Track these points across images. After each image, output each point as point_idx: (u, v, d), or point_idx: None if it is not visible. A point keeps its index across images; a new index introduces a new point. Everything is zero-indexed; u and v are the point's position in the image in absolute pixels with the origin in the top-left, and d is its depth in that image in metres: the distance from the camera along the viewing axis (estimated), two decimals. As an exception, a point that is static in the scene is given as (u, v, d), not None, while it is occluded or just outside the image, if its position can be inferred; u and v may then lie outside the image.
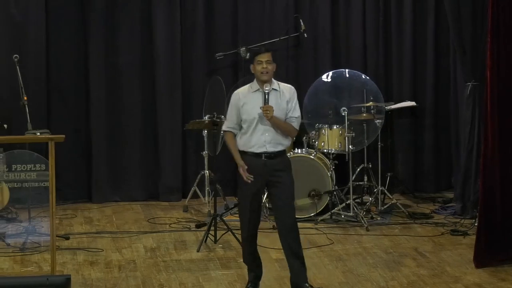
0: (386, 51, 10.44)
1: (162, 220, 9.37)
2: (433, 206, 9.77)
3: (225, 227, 8.27)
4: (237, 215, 7.09)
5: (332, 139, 9.33)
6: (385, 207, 9.50)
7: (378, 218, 9.26)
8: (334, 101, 9.77)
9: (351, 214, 9.13)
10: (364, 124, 9.61)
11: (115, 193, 10.26)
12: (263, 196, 8.68)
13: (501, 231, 7.53)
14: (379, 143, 9.65)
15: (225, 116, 7.32)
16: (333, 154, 9.39)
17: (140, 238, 8.60)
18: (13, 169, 8.30)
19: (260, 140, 6.63)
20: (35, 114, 9.11)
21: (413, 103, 10.19)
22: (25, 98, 8.73)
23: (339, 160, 9.50)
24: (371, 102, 9.52)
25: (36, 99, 9.60)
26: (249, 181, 6.58)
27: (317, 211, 9.20)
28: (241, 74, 9.96)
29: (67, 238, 8.51)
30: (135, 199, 10.26)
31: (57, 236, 7.81)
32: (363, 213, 9.13)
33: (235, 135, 6.73)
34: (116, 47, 10.18)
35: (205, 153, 9.67)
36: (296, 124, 6.73)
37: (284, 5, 10.34)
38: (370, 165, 9.69)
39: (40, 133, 8.49)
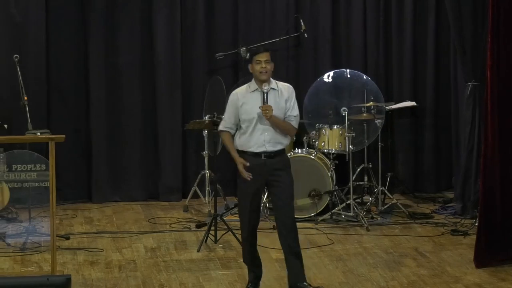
0: (387, 51, 10.44)
1: (163, 220, 9.37)
2: (434, 206, 9.77)
3: (226, 227, 8.27)
4: (237, 215, 7.09)
5: (332, 139, 9.33)
6: (385, 207, 9.50)
7: (379, 218, 9.25)
8: (334, 101, 9.77)
9: (351, 214, 9.13)
10: (365, 124, 9.61)
11: (115, 193, 10.26)
12: (263, 196, 8.72)
13: (501, 231, 7.53)
14: (379, 143, 9.65)
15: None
16: (333, 154, 9.39)
17: (140, 238, 8.60)
18: (13, 169, 8.30)
19: (260, 139, 6.63)
20: (35, 114, 9.11)
21: (413, 103, 10.18)
22: (25, 98, 8.73)
23: (340, 160, 9.50)
24: (371, 102, 9.52)
25: (36, 99, 9.60)
26: (249, 179, 6.58)
27: (318, 211, 9.20)
28: (241, 74, 9.95)
29: (68, 238, 8.51)
30: (135, 199, 10.26)
31: (57, 236, 7.80)
32: (363, 213, 9.13)
33: (231, 135, 6.73)
34: (116, 47, 10.18)
35: (205, 153, 9.66)
36: (295, 123, 6.74)
37: (285, 5, 10.34)
38: (371, 165, 9.69)
39: (41, 133, 8.49)
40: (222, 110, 8.82)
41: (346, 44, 10.46)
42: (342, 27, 10.44)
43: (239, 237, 7.32)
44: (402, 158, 10.48)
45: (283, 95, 6.71)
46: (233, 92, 6.82)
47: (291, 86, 6.82)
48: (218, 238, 8.28)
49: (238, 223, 6.99)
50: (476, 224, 7.89)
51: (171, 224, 9.16)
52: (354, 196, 9.31)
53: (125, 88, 10.24)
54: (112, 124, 10.23)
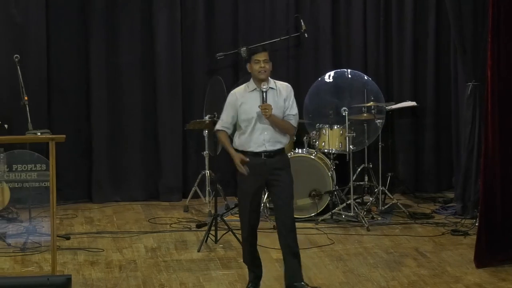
0: (387, 51, 10.43)
1: (163, 220, 9.37)
2: (434, 206, 9.77)
3: (226, 227, 8.27)
4: (238, 215, 7.09)
5: (332, 139, 9.33)
6: (385, 207, 9.50)
7: (379, 218, 9.25)
8: (335, 101, 9.77)
9: (351, 214, 9.13)
10: (365, 124, 9.61)
11: (115, 193, 10.26)
12: (264, 196, 8.72)
13: (501, 231, 7.53)
14: (379, 143, 9.65)
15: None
16: (333, 154, 9.38)
17: (140, 238, 8.60)
18: (13, 169, 8.31)
19: (259, 139, 6.64)
20: (36, 114, 9.11)
21: (413, 103, 10.18)
22: (26, 98, 8.73)
23: (340, 160, 9.50)
24: (371, 102, 9.52)
25: (36, 99, 9.59)
26: (246, 174, 6.57)
27: (318, 211, 9.20)
28: (241, 74, 9.95)
29: (68, 238, 8.51)
30: (135, 199, 10.26)
31: (57, 236, 7.80)
32: (363, 213, 9.12)
33: (228, 135, 6.73)
34: (116, 47, 10.18)
35: (205, 153, 9.66)
36: (294, 122, 6.75)
37: (285, 5, 10.34)
38: (371, 165, 9.68)
39: (41, 133, 8.50)
40: (222, 110, 8.83)
41: (346, 44, 10.46)
42: (342, 27, 10.44)
43: (240, 237, 7.32)
44: (403, 158, 10.48)
45: (281, 94, 6.72)
46: (232, 92, 6.83)
47: (289, 85, 6.83)
48: (218, 238, 8.28)
49: (238, 223, 6.99)
50: (477, 224, 7.89)
51: (172, 224, 9.16)
52: (355, 196, 9.31)
53: (125, 88, 10.24)
54: (112, 124, 10.23)
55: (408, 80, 10.40)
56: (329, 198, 9.21)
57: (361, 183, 9.73)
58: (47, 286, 5.55)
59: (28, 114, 8.68)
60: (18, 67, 8.90)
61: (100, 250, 8.13)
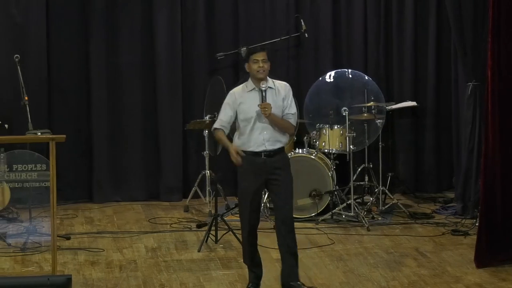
0: (387, 51, 10.43)
1: (163, 220, 9.37)
2: (434, 206, 9.77)
3: (226, 227, 8.27)
4: (238, 215, 7.09)
5: (333, 139, 9.33)
6: (386, 207, 9.50)
7: (379, 218, 9.25)
8: (335, 101, 9.77)
9: (352, 214, 9.13)
10: (365, 124, 9.61)
11: (116, 193, 10.27)
12: (264, 196, 8.73)
13: (502, 231, 7.53)
14: (380, 143, 9.65)
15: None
16: (334, 154, 9.38)
17: (141, 238, 8.60)
18: (14, 169, 8.30)
19: (259, 138, 6.64)
20: (36, 114, 9.11)
21: (414, 103, 10.18)
22: (26, 98, 8.73)
23: (340, 160, 9.50)
24: (372, 102, 9.52)
25: (37, 99, 9.59)
26: (239, 164, 6.55)
27: (318, 211, 9.20)
28: (241, 74, 9.94)
29: (68, 238, 8.51)
30: (136, 199, 10.26)
31: (58, 236, 7.80)
32: (364, 213, 9.12)
33: (225, 133, 6.74)
34: (116, 47, 10.18)
35: (206, 153, 9.66)
36: (293, 121, 6.76)
37: (285, 5, 10.34)
38: (371, 165, 9.69)
39: (41, 133, 8.50)
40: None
41: (347, 44, 10.46)
42: (342, 27, 10.44)
43: (240, 237, 7.32)
44: (403, 158, 10.48)
45: (280, 94, 6.73)
46: (231, 92, 6.83)
47: (287, 84, 6.84)
48: (218, 238, 8.28)
49: (238, 223, 6.99)
50: (477, 224, 7.89)
51: (172, 224, 9.16)
52: (355, 196, 9.31)
53: (125, 88, 10.24)
54: (112, 124, 10.23)
55: (409, 80, 10.40)
56: (329, 198, 9.21)
57: (362, 183, 9.73)
58: (47, 286, 5.56)
59: (29, 114, 8.68)
60: (19, 67, 8.90)
61: (101, 250, 8.13)
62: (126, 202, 10.18)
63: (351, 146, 9.24)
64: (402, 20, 10.35)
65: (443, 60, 10.30)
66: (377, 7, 10.37)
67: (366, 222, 8.89)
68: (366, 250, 8.09)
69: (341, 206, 9.19)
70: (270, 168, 6.65)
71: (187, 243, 8.41)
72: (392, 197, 9.62)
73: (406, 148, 10.47)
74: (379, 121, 9.50)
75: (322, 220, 9.08)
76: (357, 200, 9.42)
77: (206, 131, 9.51)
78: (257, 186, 6.69)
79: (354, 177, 9.45)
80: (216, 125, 6.81)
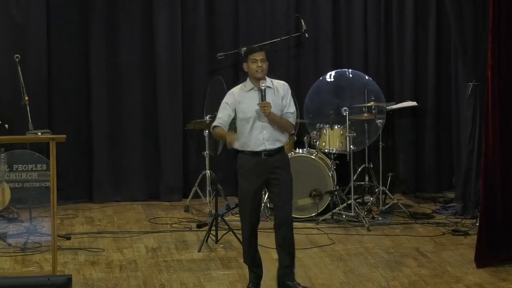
0: (387, 51, 10.43)
1: (163, 220, 9.37)
2: (434, 206, 9.77)
3: (226, 227, 8.26)
4: (238, 215, 7.09)
5: (333, 139, 9.33)
6: (386, 207, 9.50)
7: (379, 218, 9.25)
8: (335, 101, 9.77)
9: (352, 214, 9.12)
10: (366, 124, 9.61)
11: (116, 193, 10.26)
12: (264, 196, 8.72)
13: (502, 231, 7.53)
14: (380, 143, 9.65)
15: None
16: (334, 154, 9.38)
17: (141, 238, 8.60)
18: (14, 169, 8.30)
19: (259, 138, 6.65)
20: (36, 114, 9.12)
21: (414, 103, 10.18)
22: (26, 98, 8.74)
23: (340, 160, 9.50)
24: (372, 102, 9.52)
25: (37, 99, 9.60)
26: (233, 144, 6.56)
27: (318, 211, 9.20)
28: (242, 74, 9.93)
29: (68, 238, 8.51)
30: (136, 199, 10.26)
31: (58, 236, 7.81)
32: (364, 213, 9.12)
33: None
34: (116, 47, 10.18)
35: (206, 153, 9.66)
36: (292, 119, 6.77)
37: (285, 5, 10.34)
38: (371, 165, 9.69)
39: (41, 133, 8.50)
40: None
41: (347, 44, 10.46)
42: (342, 27, 10.44)
43: (240, 237, 7.32)
44: (403, 158, 10.47)
45: (279, 93, 6.74)
46: (230, 91, 6.84)
47: (286, 84, 6.85)
48: (219, 238, 8.28)
49: (239, 223, 6.99)
50: (477, 224, 7.89)
51: (172, 224, 9.16)
52: (355, 196, 9.32)
53: (126, 88, 10.24)
54: (113, 124, 10.23)
55: (409, 80, 10.39)
56: (329, 198, 9.21)
57: (362, 183, 9.73)
58: (47, 286, 5.55)
59: (29, 114, 8.69)
60: (19, 67, 8.90)
61: (101, 250, 8.13)
62: (126, 202, 10.17)
63: (351, 146, 9.24)
64: (402, 20, 10.34)
65: (443, 60, 10.30)
66: (377, 7, 10.37)
67: (366, 222, 8.89)
68: (367, 250, 8.09)
69: (341, 206, 9.19)
70: (270, 167, 6.66)
71: (187, 243, 8.41)
72: (392, 197, 9.62)
73: (406, 148, 10.47)
74: (379, 121, 9.50)
75: (323, 220, 9.08)
76: (358, 200, 9.42)
77: (206, 131, 9.51)
78: (258, 186, 6.69)
79: (355, 177, 9.45)
80: (215, 123, 6.81)
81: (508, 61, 7.43)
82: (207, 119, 9.12)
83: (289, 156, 8.40)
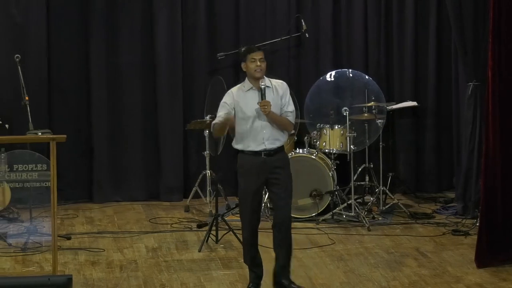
0: (388, 51, 10.43)
1: (164, 220, 9.37)
2: (435, 206, 9.77)
3: (227, 227, 8.26)
4: (238, 215, 7.09)
5: (333, 139, 9.33)
6: (386, 207, 9.50)
7: (380, 218, 9.25)
8: (336, 101, 9.77)
9: (352, 214, 9.12)
10: (366, 124, 9.61)
11: (116, 193, 10.26)
12: (264, 196, 8.72)
13: (502, 231, 7.53)
14: (380, 143, 9.64)
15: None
16: (334, 154, 9.38)
17: (141, 238, 8.60)
18: (14, 169, 8.30)
19: (258, 137, 6.66)
20: (36, 114, 9.12)
21: (414, 103, 10.18)
22: (27, 98, 8.74)
23: (341, 160, 9.50)
24: (372, 102, 9.52)
25: (37, 99, 9.60)
26: (230, 120, 6.55)
27: (319, 211, 9.20)
28: (242, 74, 9.91)
29: (69, 238, 8.51)
30: (136, 199, 10.26)
31: (58, 236, 7.81)
32: (364, 213, 9.12)
33: None
34: (117, 47, 10.18)
35: (206, 153, 9.66)
36: (291, 118, 6.78)
37: (286, 5, 10.34)
38: (372, 165, 9.69)
39: (42, 133, 8.51)
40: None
41: (347, 44, 10.46)
42: (343, 27, 10.43)
43: (240, 237, 7.32)
44: (403, 158, 10.47)
45: (278, 92, 6.75)
46: (229, 91, 6.85)
47: (284, 83, 6.86)
48: (219, 238, 8.28)
49: (239, 223, 7.00)
50: (477, 224, 7.89)
51: (172, 224, 9.15)
52: (355, 196, 9.32)
53: (126, 88, 10.24)
54: (113, 124, 10.23)
55: (409, 80, 10.39)
56: (330, 198, 9.21)
57: (362, 183, 9.73)
58: (48, 286, 5.55)
59: (29, 114, 8.69)
60: (19, 67, 8.90)
61: (101, 250, 8.13)
62: (127, 202, 10.17)
63: (351, 146, 9.24)
64: (402, 19, 10.34)
65: (443, 60, 10.30)
66: (377, 6, 10.37)
67: (366, 222, 8.89)
68: (367, 250, 8.09)
69: (341, 206, 9.19)
70: (270, 167, 6.66)
71: (187, 243, 8.41)
72: (392, 197, 9.62)
73: (406, 148, 10.47)
74: (379, 121, 9.50)
75: (323, 220, 9.08)
76: (358, 200, 9.42)
77: (207, 131, 9.51)
78: (258, 186, 6.70)
79: (355, 177, 9.45)
80: (215, 121, 6.80)
81: (508, 62, 7.43)
82: (208, 119, 9.12)
83: (289, 156, 8.42)
